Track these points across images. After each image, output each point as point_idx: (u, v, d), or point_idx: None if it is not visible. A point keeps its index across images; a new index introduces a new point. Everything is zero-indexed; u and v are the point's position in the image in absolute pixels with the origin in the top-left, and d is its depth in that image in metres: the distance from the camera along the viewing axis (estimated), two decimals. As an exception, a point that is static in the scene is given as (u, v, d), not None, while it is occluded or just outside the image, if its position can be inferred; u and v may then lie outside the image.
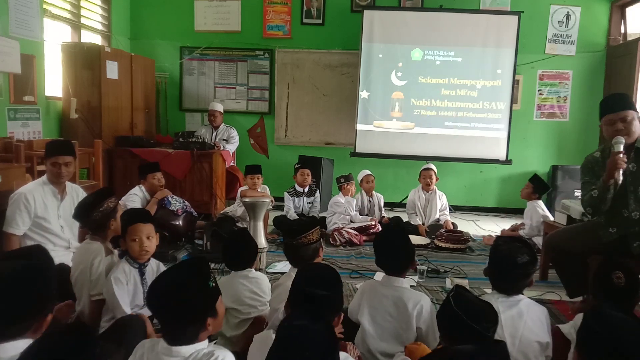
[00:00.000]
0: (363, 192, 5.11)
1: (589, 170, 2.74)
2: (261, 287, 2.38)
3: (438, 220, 4.97)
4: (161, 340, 1.43)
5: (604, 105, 2.69)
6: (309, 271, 1.71)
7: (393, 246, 2.25)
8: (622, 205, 2.62)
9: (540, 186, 4.53)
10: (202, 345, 1.43)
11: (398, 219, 5.06)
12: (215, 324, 1.47)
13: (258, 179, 4.53)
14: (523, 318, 1.92)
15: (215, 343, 2.28)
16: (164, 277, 1.49)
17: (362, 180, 5.09)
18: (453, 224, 4.97)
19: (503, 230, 4.89)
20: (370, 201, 5.13)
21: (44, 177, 3.01)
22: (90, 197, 2.50)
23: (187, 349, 1.40)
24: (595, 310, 1.48)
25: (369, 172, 5.12)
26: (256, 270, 2.51)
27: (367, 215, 5.03)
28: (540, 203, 4.47)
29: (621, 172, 2.50)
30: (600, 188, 2.58)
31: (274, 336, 1.60)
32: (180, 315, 1.40)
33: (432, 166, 5.14)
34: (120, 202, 2.55)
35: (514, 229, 4.71)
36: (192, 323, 1.42)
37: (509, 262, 1.95)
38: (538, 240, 4.20)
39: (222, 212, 4.75)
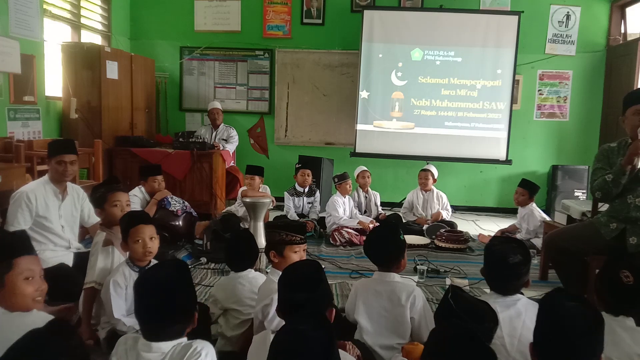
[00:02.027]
0: (359, 188, 5.14)
1: (604, 158, 2.80)
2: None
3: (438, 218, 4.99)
4: (141, 337, 1.44)
5: (630, 97, 2.73)
6: (288, 275, 1.69)
7: (382, 239, 2.28)
8: (629, 191, 2.67)
9: (534, 189, 4.50)
10: (181, 340, 1.45)
11: (396, 215, 5.08)
12: (195, 319, 1.50)
13: (252, 179, 4.49)
14: (521, 318, 1.92)
15: (215, 343, 2.29)
16: (152, 275, 1.48)
17: (357, 175, 5.14)
18: (453, 223, 4.98)
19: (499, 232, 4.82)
20: (366, 197, 5.16)
21: (46, 177, 3.01)
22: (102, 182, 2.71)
23: (166, 345, 1.41)
24: (549, 299, 1.49)
25: (365, 168, 5.16)
26: (255, 270, 2.52)
27: (364, 212, 5.05)
28: (535, 206, 4.46)
29: None
30: (615, 172, 2.63)
31: (271, 336, 1.61)
32: (174, 313, 1.42)
33: (431, 168, 5.15)
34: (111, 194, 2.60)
35: (510, 232, 4.68)
36: (183, 320, 1.44)
37: (501, 263, 1.96)
38: (537, 242, 4.19)
39: (224, 211, 4.75)
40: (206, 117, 6.02)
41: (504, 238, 2.23)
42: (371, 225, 4.60)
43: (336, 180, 4.87)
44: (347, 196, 4.86)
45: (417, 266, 3.57)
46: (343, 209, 4.73)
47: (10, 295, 1.54)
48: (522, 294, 2.06)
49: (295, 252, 2.19)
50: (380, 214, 5.10)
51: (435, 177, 5.13)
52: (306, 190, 4.98)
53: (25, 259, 1.58)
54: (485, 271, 2.08)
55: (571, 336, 1.35)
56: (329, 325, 1.29)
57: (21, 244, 1.62)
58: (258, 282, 2.39)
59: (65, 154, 2.94)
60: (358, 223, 4.64)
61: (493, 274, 2.03)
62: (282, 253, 2.17)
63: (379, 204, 5.22)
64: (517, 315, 1.93)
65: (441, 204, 5.11)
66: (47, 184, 2.98)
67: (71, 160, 2.97)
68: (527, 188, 4.49)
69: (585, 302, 1.48)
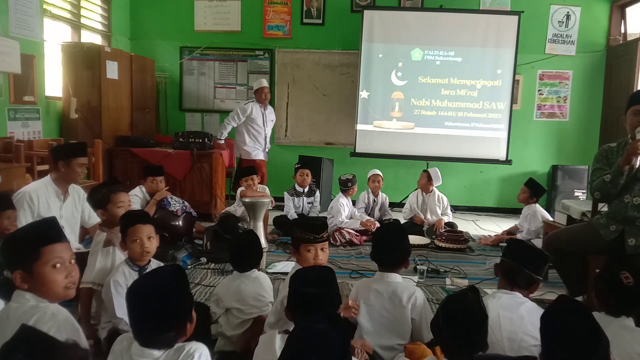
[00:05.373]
0: (369, 190, 5.13)
1: (603, 158, 2.79)
2: (264, 286, 2.39)
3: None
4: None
5: (633, 97, 2.74)
6: (302, 274, 1.72)
7: (390, 242, 2.28)
8: (626, 191, 2.66)
9: (537, 190, 4.51)
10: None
11: (396, 221, 5.07)
12: (190, 330, 1.47)
13: (252, 179, 4.50)
14: (524, 322, 1.92)
15: (215, 343, 2.29)
16: (145, 282, 1.47)
17: (369, 178, 5.12)
18: (453, 224, 4.98)
19: (497, 236, 4.75)
20: (374, 200, 5.15)
21: (48, 177, 3.01)
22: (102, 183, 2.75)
23: (159, 351, 1.40)
24: (556, 306, 1.49)
25: (378, 172, 5.12)
26: (258, 271, 2.52)
27: (369, 214, 5.05)
28: (540, 208, 4.45)
29: (639, 159, 2.55)
30: (613, 172, 2.63)
31: (278, 337, 1.61)
32: (164, 321, 1.39)
33: (431, 170, 5.10)
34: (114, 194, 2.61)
35: (511, 232, 4.69)
36: (174, 329, 1.41)
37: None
38: (538, 243, 4.18)
39: (223, 211, 4.75)
40: (207, 116, 5.98)
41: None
42: (362, 228, 4.62)
43: (349, 185, 4.84)
44: (349, 197, 4.87)
45: (417, 266, 3.57)
46: (348, 211, 4.76)
47: (41, 283, 1.55)
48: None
49: (309, 250, 2.17)
50: (390, 219, 5.06)
51: (434, 179, 5.01)
52: (306, 190, 4.98)
53: (53, 246, 1.57)
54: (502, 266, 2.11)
55: (576, 348, 1.36)
56: (345, 326, 1.29)
57: (49, 232, 1.61)
58: (262, 282, 2.40)
59: (85, 156, 3.05)
60: (361, 224, 4.65)
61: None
62: (297, 250, 2.21)
63: (387, 206, 5.22)
64: (520, 319, 1.93)
65: (442, 207, 5.08)
66: (50, 184, 2.98)
67: (86, 162, 3.10)
68: (530, 187, 4.50)
69: (585, 311, 1.46)
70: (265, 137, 5.64)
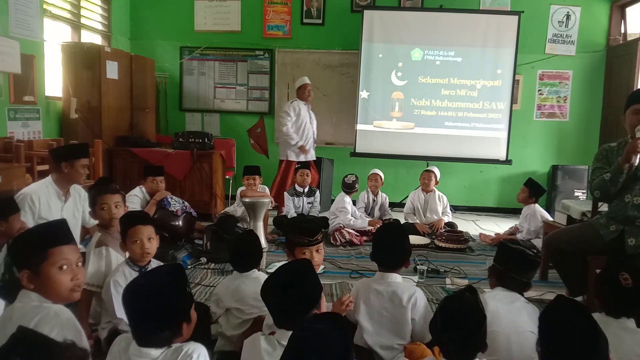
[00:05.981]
0: (369, 190, 5.14)
1: (603, 157, 2.79)
2: (264, 286, 2.39)
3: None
4: (133, 340, 1.44)
5: (633, 96, 2.74)
6: (273, 275, 1.71)
7: (390, 242, 2.28)
8: (626, 190, 2.66)
9: (537, 190, 4.51)
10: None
11: (396, 221, 5.06)
12: (188, 330, 1.48)
13: (254, 179, 4.50)
14: (522, 314, 1.98)
15: (215, 343, 2.29)
16: (142, 281, 1.49)
17: (368, 178, 5.13)
18: (453, 224, 4.98)
19: (498, 235, 4.78)
20: (374, 200, 5.15)
21: (49, 178, 3.00)
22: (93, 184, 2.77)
23: (156, 351, 1.41)
24: (554, 306, 1.49)
25: (376, 172, 5.12)
26: (258, 271, 2.52)
27: (368, 214, 5.06)
28: (539, 208, 4.45)
29: (639, 157, 2.55)
30: (613, 171, 2.63)
31: (262, 338, 1.61)
32: (158, 319, 1.40)
33: (434, 169, 5.12)
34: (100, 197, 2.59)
35: (512, 232, 4.70)
36: (168, 328, 1.42)
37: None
38: (537, 243, 4.19)
39: (222, 211, 4.75)
40: (207, 116, 5.96)
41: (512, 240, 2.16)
42: (370, 227, 4.61)
43: (356, 186, 4.84)
44: (351, 197, 4.88)
45: (417, 266, 3.57)
46: (350, 209, 4.77)
47: (47, 284, 1.56)
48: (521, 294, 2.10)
49: (304, 253, 2.18)
50: (389, 218, 5.06)
51: (438, 179, 5.10)
52: (306, 190, 4.98)
53: (61, 248, 1.59)
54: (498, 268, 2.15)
55: (575, 348, 1.36)
56: (345, 325, 1.29)
57: (58, 233, 1.63)
58: (261, 282, 2.36)
59: (87, 157, 3.05)
60: (369, 223, 4.65)
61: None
62: (292, 252, 2.22)
63: (387, 206, 5.21)
64: (519, 312, 2.00)
65: (442, 206, 5.09)
66: (51, 185, 2.96)
67: (88, 163, 3.11)
68: (529, 186, 4.51)
69: (583, 311, 1.46)
70: (314, 133, 5.46)
